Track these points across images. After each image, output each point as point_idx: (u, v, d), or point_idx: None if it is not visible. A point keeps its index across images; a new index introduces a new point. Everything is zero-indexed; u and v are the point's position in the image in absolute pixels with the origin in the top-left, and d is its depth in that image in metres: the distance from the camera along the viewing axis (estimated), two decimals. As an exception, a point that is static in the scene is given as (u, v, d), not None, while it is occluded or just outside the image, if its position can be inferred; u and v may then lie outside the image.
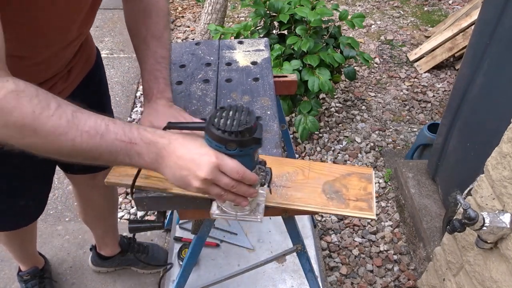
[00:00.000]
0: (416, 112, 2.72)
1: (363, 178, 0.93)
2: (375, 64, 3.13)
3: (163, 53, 1.00)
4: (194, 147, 0.72)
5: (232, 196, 0.75)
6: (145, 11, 1.01)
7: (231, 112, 0.72)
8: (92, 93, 1.21)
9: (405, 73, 3.05)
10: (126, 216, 2.10)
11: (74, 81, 1.12)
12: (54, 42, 0.92)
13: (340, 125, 2.61)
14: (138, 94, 2.88)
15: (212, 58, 1.33)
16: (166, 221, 1.89)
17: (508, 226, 1.02)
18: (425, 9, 3.80)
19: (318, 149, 2.46)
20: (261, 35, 2.40)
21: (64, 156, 0.69)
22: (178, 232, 1.67)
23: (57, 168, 1.36)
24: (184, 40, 3.39)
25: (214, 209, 0.82)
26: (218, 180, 0.71)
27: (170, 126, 0.77)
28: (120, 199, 2.17)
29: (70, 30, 0.93)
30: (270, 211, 0.99)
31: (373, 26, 3.57)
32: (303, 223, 1.66)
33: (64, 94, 1.07)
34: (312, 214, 1.71)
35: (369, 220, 2.07)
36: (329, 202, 0.87)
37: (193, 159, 0.70)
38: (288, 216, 1.01)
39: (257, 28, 2.45)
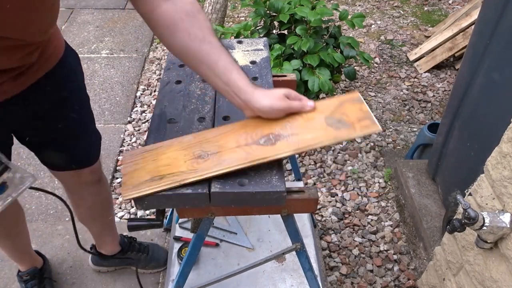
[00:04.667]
0: (416, 112, 2.72)
1: (355, 101, 0.98)
2: (375, 64, 3.13)
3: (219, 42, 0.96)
4: None
5: None
6: (188, 14, 0.94)
7: None
8: (49, 96, 1.15)
9: (405, 73, 3.05)
10: (126, 216, 2.10)
11: (24, 82, 1.06)
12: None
13: (340, 125, 2.61)
14: (138, 94, 2.88)
15: (212, 58, 1.32)
16: (165, 220, 1.90)
17: (508, 226, 1.02)
18: (425, 9, 3.80)
19: (318, 148, 2.46)
20: (261, 35, 2.40)
21: None
22: (178, 232, 1.67)
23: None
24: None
25: None
26: None
27: None
28: (120, 199, 2.17)
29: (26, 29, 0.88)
30: (269, 209, 0.99)
31: (373, 26, 3.57)
32: (303, 223, 1.66)
33: (9, 93, 1.03)
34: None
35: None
36: (338, 131, 0.91)
37: None
38: (287, 214, 1.01)
39: (257, 28, 2.45)
